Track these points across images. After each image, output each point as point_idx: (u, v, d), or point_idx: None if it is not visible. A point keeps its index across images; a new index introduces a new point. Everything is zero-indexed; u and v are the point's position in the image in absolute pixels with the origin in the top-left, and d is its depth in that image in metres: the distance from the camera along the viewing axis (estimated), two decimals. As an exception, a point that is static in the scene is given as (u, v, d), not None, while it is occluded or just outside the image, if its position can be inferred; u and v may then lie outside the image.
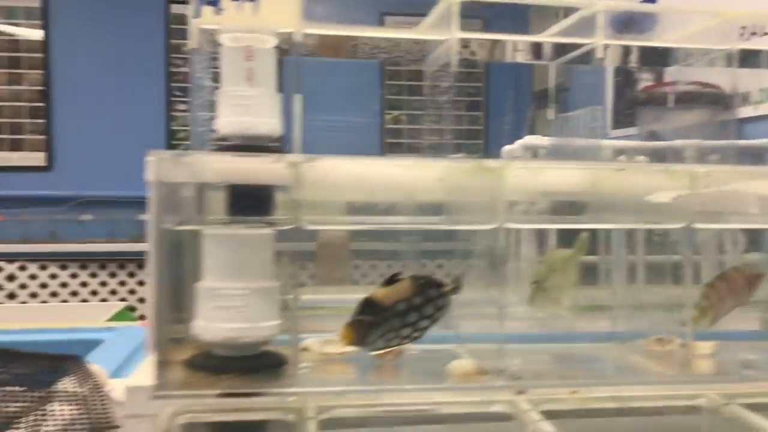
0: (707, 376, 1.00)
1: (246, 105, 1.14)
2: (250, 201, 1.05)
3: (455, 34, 1.24)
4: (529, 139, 1.77)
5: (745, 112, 2.57)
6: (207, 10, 1.17)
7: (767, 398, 0.90)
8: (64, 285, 4.41)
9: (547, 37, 1.36)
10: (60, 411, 0.83)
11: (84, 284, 4.50)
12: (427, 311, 0.89)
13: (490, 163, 0.94)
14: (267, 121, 1.14)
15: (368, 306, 0.88)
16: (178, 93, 4.90)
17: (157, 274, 0.92)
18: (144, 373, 0.90)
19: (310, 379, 0.94)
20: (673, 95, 2.77)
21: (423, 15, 1.34)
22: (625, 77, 3.41)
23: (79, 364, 1.02)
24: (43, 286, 4.43)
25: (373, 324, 0.87)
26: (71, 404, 0.85)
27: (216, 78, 1.21)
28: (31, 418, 0.81)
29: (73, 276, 4.49)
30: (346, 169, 1.04)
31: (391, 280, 0.89)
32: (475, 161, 0.95)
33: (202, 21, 1.18)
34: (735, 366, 1.06)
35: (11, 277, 4.43)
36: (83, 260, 4.47)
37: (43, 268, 4.46)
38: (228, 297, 0.95)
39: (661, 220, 1.04)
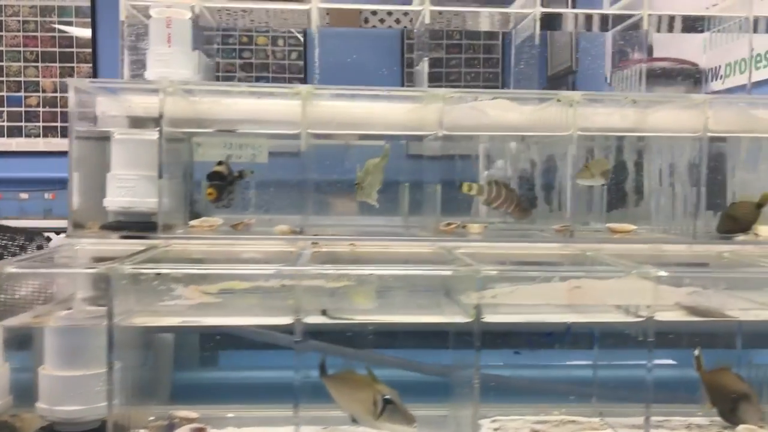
0: (449, 237, 1.43)
1: (165, 60, 1.62)
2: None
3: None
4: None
5: (715, 86, 2.89)
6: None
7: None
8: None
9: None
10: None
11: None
12: (234, 185, 1.41)
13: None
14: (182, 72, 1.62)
15: (218, 176, 1.39)
16: (210, 82, 5.39)
17: (72, 172, 1.42)
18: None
19: (178, 234, 1.42)
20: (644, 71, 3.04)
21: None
22: (620, 56, 3.75)
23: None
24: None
25: (223, 186, 1.39)
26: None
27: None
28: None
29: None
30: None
31: (219, 164, 1.39)
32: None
33: (131, -1, 1.67)
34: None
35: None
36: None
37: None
38: (124, 181, 1.44)
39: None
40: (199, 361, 1.71)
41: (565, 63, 4.44)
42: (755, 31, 1.92)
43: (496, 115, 1.43)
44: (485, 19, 1.88)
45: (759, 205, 1.52)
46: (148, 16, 1.71)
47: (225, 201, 1.45)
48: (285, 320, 1.08)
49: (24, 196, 5.31)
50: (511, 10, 1.76)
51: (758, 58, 2.68)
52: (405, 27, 1.88)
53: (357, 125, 1.58)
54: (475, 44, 5.60)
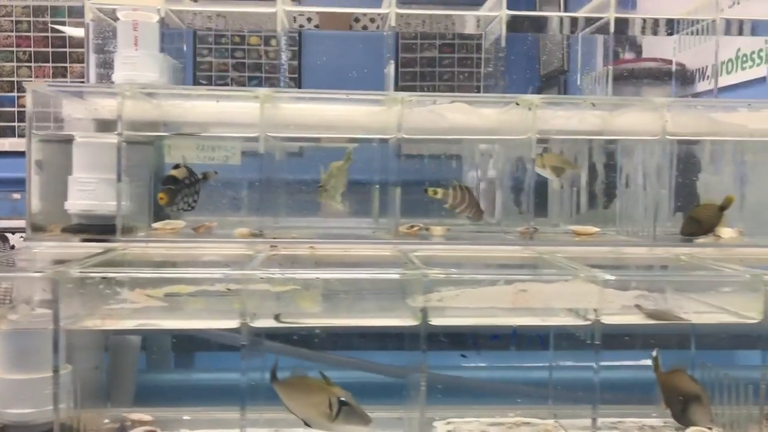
0: (410, 239, 1.44)
1: (132, 63, 1.63)
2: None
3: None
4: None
5: (702, 86, 2.90)
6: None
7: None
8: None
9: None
10: None
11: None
12: (195, 188, 1.41)
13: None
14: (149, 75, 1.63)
15: (172, 180, 1.38)
16: (203, 82, 5.41)
17: (31, 175, 1.43)
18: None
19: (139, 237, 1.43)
20: (632, 71, 3.04)
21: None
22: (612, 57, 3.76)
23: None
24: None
25: (175, 190, 1.39)
26: None
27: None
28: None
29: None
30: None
31: (176, 167, 1.40)
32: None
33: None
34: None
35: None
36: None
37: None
38: (85, 184, 1.45)
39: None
40: (162, 364, 1.72)
41: (556, 63, 4.45)
42: (740, 33, 1.93)
43: (455, 118, 1.44)
44: (456, 21, 1.88)
45: (722, 208, 1.53)
46: (115, 19, 1.71)
47: (181, 204, 1.44)
48: (232, 324, 1.09)
49: (16, 196, 5.31)
50: (477, 12, 1.76)
51: (744, 59, 2.69)
52: (399, 29, 1.88)
53: (323, 128, 1.59)
54: (468, 44, 5.60)
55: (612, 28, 1.74)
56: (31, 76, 5.64)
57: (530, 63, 5.01)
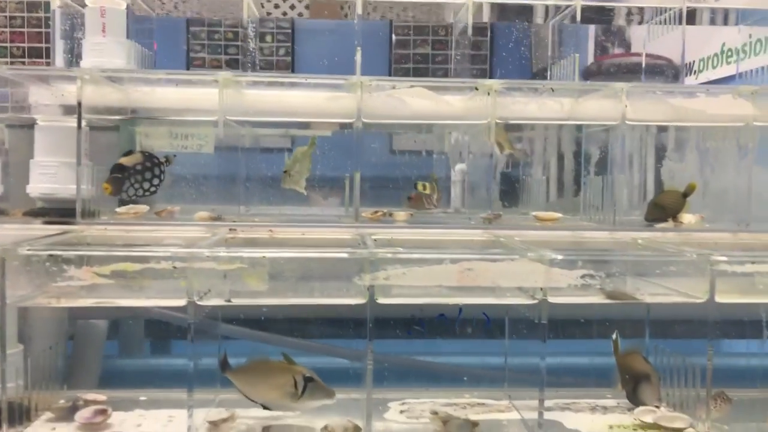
0: (372, 224, 1.45)
1: (99, 50, 1.64)
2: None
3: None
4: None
5: (688, 81, 2.91)
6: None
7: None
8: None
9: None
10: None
11: None
12: (154, 173, 1.40)
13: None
14: (116, 61, 1.63)
15: (118, 168, 1.38)
16: (196, 78, 5.38)
17: None
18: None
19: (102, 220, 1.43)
20: (618, 66, 3.03)
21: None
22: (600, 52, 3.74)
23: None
24: None
25: (122, 179, 1.38)
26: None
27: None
28: None
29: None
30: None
31: (127, 153, 1.40)
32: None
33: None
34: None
35: None
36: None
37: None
38: (47, 167, 1.45)
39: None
40: (136, 350, 1.73)
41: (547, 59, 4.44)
42: (725, 23, 1.94)
43: (419, 105, 1.44)
44: (428, 9, 1.89)
45: (685, 195, 1.53)
46: (83, 5, 1.72)
47: (131, 191, 1.41)
48: (180, 302, 1.10)
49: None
50: (446, 0, 1.77)
51: (729, 53, 2.69)
52: (391, 20, 1.89)
53: (287, 113, 1.59)
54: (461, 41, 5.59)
55: (579, 16, 1.74)
56: (24, 72, 5.65)
57: (522, 58, 5.02)
